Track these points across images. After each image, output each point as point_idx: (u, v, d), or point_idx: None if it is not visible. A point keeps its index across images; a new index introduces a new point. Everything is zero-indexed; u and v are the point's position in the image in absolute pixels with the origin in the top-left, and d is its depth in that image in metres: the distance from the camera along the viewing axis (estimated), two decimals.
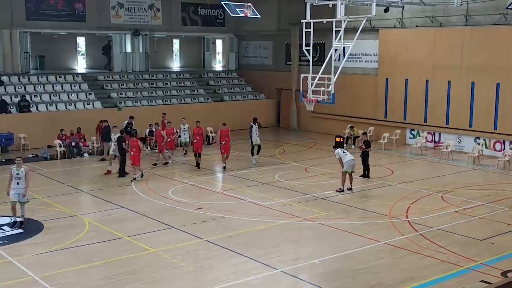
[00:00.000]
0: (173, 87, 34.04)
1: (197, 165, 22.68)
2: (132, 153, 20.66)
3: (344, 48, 23.65)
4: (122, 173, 21.57)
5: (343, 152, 19.23)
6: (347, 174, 18.99)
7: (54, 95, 29.68)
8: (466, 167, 23.55)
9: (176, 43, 39.71)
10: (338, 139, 26.50)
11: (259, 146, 23.85)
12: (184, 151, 25.85)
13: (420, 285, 11.56)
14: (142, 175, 21.01)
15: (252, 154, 23.84)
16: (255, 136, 23.64)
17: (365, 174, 21.16)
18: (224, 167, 22.63)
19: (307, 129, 33.12)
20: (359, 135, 28.52)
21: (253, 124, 23.80)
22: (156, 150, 24.87)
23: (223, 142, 22.40)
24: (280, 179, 20.92)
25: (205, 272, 12.19)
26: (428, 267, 12.47)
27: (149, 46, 34.92)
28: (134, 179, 20.64)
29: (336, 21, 21.66)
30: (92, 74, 33.13)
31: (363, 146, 21.08)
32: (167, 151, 23.77)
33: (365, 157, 21.09)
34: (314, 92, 22.58)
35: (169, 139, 23.66)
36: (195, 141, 22.86)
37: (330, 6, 22.43)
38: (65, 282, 11.68)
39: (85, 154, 25.74)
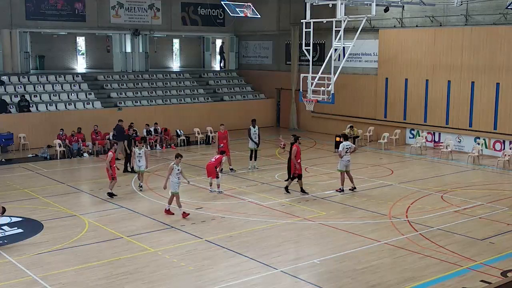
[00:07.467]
0: (173, 87, 34.04)
1: (302, 190, 18.81)
2: None
3: (344, 48, 23.63)
4: (127, 169, 22.04)
5: (346, 148, 18.95)
6: (345, 173, 18.96)
7: (54, 95, 29.67)
8: (466, 167, 23.55)
9: (176, 43, 39.72)
10: (338, 138, 26.50)
11: (254, 151, 22.55)
12: (139, 185, 19.67)
13: (420, 285, 11.57)
14: None
15: (250, 158, 22.65)
16: (252, 139, 22.51)
17: (293, 177, 19.08)
18: (232, 169, 21.97)
19: (307, 129, 33.10)
20: (359, 135, 28.58)
21: (251, 127, 22.64)
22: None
23: (221, 145, 21.29)
24: (280, 179, 20.89)
25: (205, 272, 12.19)
26: (428, 267, 12.48)
27: (149, 46, 34.94)
28: None
29: (336, 21, 21.64)
30: (92, 74, 33.15)
31: (283, 147, 20.09)
32: (213, 180, 19.03)
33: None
34: (314, 92, 22.55)
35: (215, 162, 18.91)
36: (298, 160, 18.58)
37: (330, 6, 22.43)
38: (65, 282, 11.68)
39: (85, 154, 25.72)
